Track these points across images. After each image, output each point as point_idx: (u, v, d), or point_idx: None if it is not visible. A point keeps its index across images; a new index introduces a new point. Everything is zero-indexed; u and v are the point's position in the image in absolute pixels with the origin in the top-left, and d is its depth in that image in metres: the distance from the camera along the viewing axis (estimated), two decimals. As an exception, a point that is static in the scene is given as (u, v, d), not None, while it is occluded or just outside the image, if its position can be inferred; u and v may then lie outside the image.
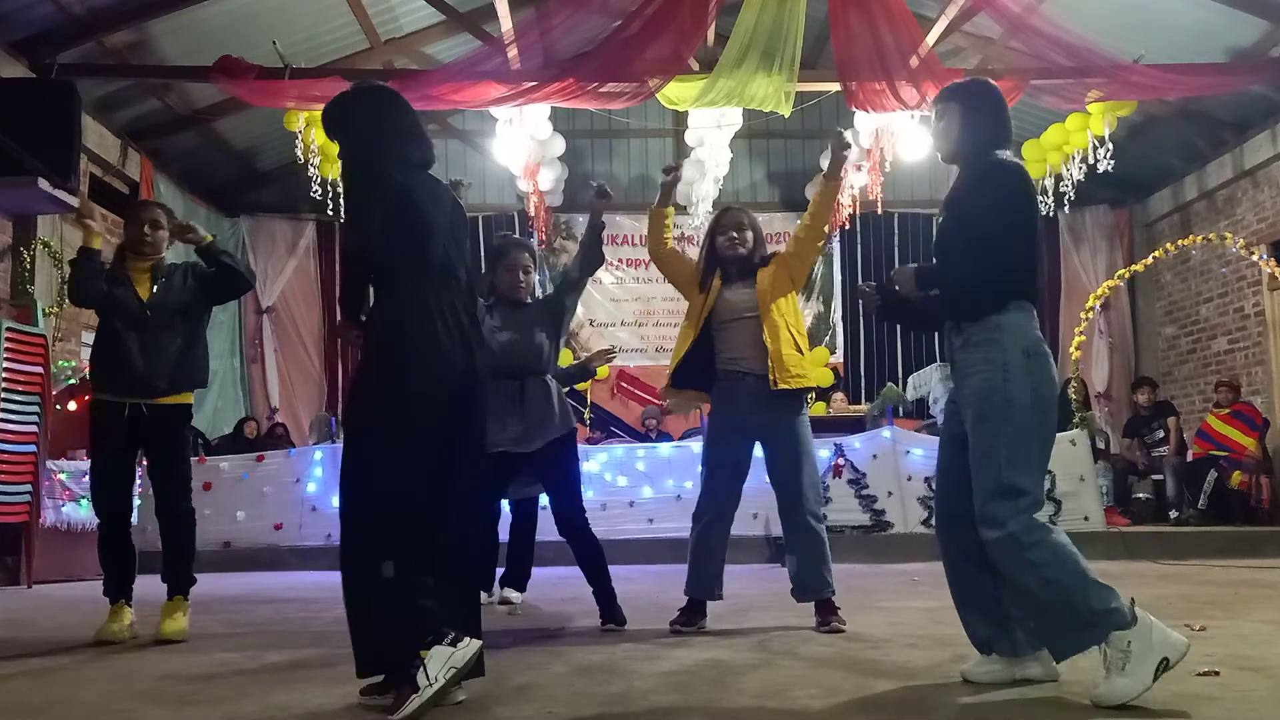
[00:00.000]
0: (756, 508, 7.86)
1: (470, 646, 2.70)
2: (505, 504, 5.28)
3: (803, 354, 4.14)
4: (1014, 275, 2.84)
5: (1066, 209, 10.13)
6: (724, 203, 11.15)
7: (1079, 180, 9.32)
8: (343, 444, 2.93)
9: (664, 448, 8.41)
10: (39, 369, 6.59)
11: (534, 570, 5.22)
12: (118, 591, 4.11)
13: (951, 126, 3.00)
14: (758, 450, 4.18)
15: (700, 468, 4.26)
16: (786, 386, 4.02)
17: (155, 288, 4.15)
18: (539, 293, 5.08)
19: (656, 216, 4.42)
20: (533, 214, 10.64)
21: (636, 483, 8.01)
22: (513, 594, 5.11)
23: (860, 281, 8.28)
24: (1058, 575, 2.65)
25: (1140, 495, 9.21)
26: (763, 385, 4.04)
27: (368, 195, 2.88)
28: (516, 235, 6.21)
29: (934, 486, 3.14)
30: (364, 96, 3.10)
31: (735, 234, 4.22)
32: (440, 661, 2.62)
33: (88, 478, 6.73)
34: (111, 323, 4.13)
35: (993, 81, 3.12)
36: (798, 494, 4.06)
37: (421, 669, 2.59)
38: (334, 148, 8.69)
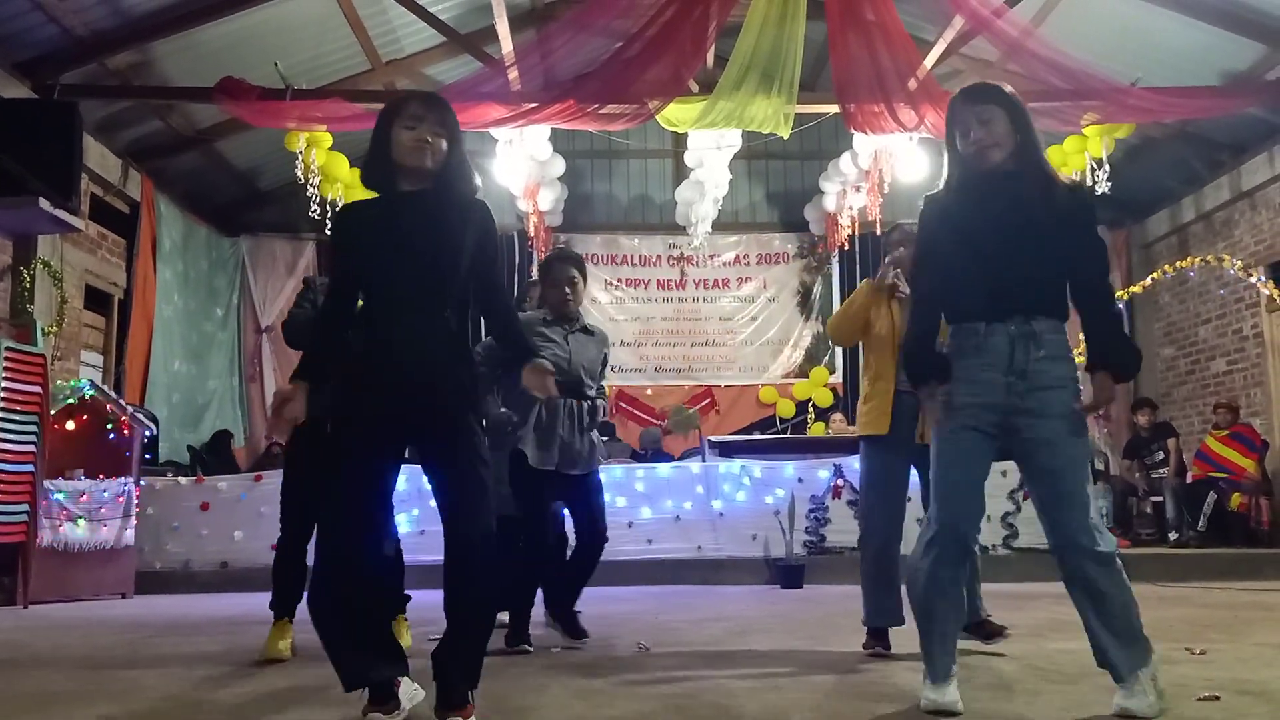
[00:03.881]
0: (755, 529, 7.87)
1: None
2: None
3: None
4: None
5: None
6: (724, 223, 11.36)
7: (1077, 202, 9.36)
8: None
9: (663, 468, 8.35)
10: (38, 388, 6.60)
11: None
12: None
13: (999, 129, 2.88)
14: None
15: (867, 491, 4.07)
16: None
17: None
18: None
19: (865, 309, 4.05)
20: (532, 234, 10.71)
21: (635, 504, 7.94)
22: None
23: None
24: (1132, 597, 2.76)
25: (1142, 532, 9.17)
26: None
27: None
28: (567, 250, 5.73)
29: (956, 494, 2.88)
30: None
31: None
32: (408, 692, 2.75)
33: (86, 498, 6.82)
34: None
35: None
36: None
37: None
38: (336, 168, 8.88)
